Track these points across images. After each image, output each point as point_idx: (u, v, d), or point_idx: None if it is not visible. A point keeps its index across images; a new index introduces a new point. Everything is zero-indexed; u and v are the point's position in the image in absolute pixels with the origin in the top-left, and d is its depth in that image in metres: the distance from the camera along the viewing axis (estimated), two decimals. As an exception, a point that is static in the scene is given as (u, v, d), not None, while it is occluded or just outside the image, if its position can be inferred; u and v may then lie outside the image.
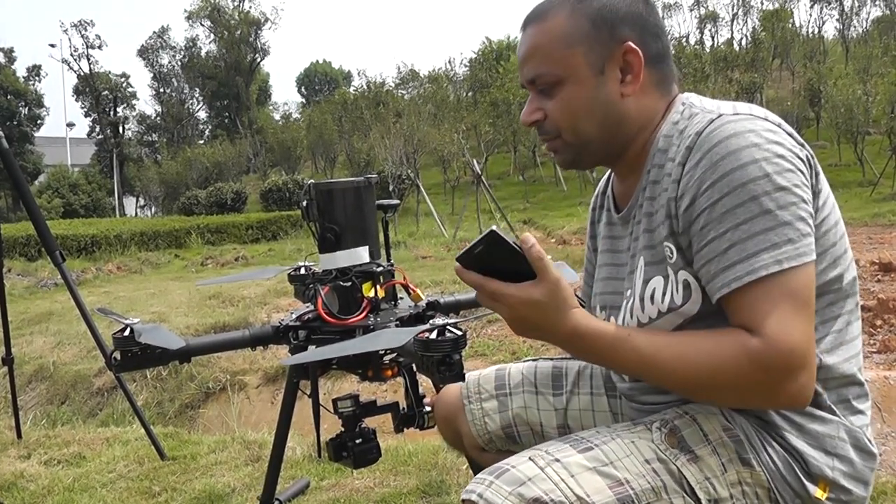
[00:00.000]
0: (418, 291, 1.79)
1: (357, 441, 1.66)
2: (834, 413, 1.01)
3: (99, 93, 41.96)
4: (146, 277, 11.62)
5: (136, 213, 35.96)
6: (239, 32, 44.94)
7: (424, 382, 1.79)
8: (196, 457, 2.82)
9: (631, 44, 1.04)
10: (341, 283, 1.68)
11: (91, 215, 28.60)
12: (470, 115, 26.15)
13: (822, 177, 1.00)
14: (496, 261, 0.95)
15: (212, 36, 46.14)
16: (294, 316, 1.71)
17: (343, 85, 50.07)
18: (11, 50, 41.97)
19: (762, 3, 40.70)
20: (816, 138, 23.62)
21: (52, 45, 57.52)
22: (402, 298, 1.81)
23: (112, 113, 42.68)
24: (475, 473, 1.14)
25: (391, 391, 3.73)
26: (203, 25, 46.25)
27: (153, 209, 34.08)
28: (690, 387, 0.95)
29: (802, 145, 0.98)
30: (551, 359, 1.37)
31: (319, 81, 55.35)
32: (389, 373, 1.67)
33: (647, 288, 1.05)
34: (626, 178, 1.14)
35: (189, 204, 25.12)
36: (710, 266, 0.94)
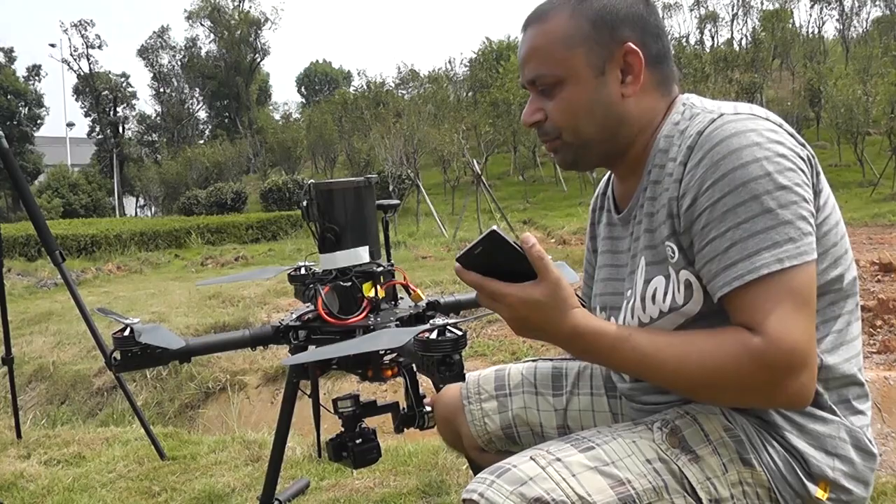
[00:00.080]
0: (418, 291, 1.78)
1: (357, 441, 1.66)
2: (834, 413, 1.01)
3: (99, 93, 42.02)
4: (146, 277, 11.63)
5: (136, 213, 36.01)
6: (239, 32, 44.98)
7: (424, 382, 1.78)
8: (196, 457, 2.82)
9: (631, 45, 1.04)
10: (341, 283, 1.67)
11: (91, 215, 28.63)
12: (470, 115, 26.14)
13: (822, 177, 1.00)
14: (497, 261, 0.95)
15: (212, 36, 46.24)
16: (294, 316, 1.70)
17: (343, 85, 50.18)
18: (11, 50, 42.16)
19: (762, 3, 40.79)
20: (816, 138, 23.65)
21: (52, 45, 57.86)
22: (402, 298, 1.81)
23: (112, 113, 42.73)
24: (475, 474, 1.14)
25: (391, 391, 3.73)
26: (203, 25, 46.36)
27: (153, 209, 34.12)
28: (692, 386, 0.95)
29: (804, 145, 0.98)
30: (551, 359, 1.37)
31: (319, 81, 55.43)
32: (389, 373, 1.66)
33: (649, 288, 1.04)
34: (627, 178, 1.14)
35: (189, 204, 25.14)
36: (712, 265, 0.94)
